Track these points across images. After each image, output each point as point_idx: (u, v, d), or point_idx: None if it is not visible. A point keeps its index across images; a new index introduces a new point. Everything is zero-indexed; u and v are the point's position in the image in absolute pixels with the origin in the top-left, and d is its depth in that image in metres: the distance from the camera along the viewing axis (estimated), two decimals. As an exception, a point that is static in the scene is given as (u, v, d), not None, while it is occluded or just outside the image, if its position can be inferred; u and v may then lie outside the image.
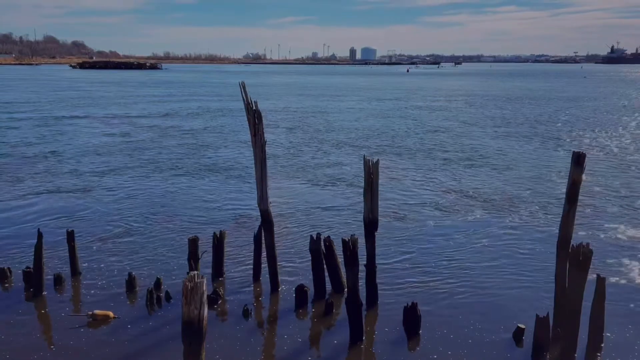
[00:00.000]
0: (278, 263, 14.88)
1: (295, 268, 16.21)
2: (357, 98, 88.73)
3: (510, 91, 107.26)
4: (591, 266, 11.07)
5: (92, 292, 14.65)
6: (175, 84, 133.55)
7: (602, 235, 19.34)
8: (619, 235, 19.43)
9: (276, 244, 14.92)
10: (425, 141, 41.46)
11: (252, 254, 15.44)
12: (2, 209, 22.51)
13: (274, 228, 14.77)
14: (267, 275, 14.90)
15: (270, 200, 14.42)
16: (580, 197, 12.03)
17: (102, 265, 16.45)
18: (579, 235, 17.71)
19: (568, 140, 41.85)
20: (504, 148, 38.20)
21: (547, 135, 44.62)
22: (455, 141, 41.34)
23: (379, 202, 13.55)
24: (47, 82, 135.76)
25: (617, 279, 15.55)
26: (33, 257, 14.37)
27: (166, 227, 20.25)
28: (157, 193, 25.41)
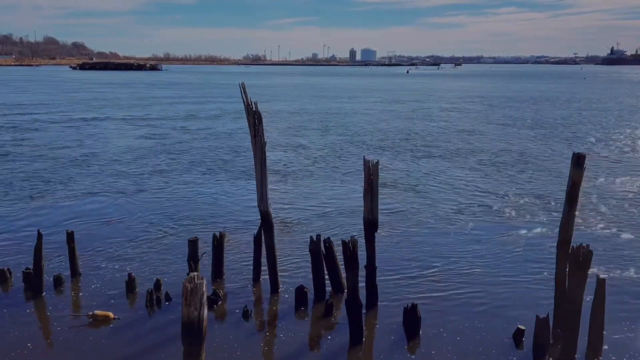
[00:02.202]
0: (278, 264, 14.87)
1: (295, 269, 16.21)
2: (373, 99, 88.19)
3: (523, 92, 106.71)
4: (591, 267, 11.07)
5: (92, 293, 14.64)
6: (185, 85, 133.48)
7: (602, 236, 19.35)
8: (620, 236, 19.44)
9: (276, 245, 14.91)
10: (465, 143, 40.88)
11: (252, 255, 15.45)
12: (36, 212, 22.31)
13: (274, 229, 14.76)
14: (267, 276, 14.90)
15: (270, 203, 14.41)
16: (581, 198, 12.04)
17: (102, 266, 16.45)
18: (579, 235, 17.71)
19: (605, 143, 41.12)
20: (547, 151, 37.44)
21: (585, 139, 43.67)
22: (495, 145, 40.48)
23: (382, 203, 13.54)
24: (55, 83, 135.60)
25: (618, 279, 15.54)
26: (33, 258, 14.38)
27: (173, 228, 20.27)
28: (187, 195, 25.23)
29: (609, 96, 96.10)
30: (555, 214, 21.37)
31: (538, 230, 20.05)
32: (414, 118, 59.48)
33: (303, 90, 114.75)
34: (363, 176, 13.26)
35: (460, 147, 39.11)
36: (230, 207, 23.13)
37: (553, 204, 23.39)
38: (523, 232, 19.87)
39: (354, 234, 16.71)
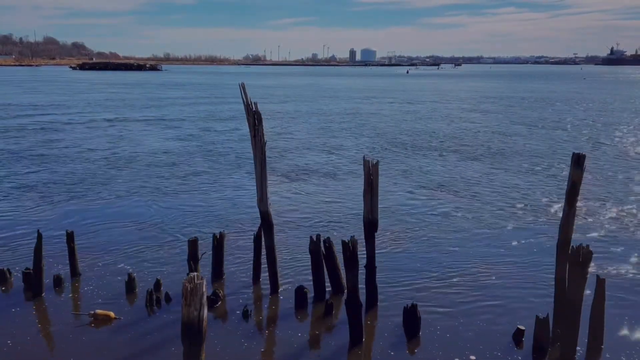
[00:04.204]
0: (278, 264, 14.87)
1: (295, 269, 16.21)
2: (388, 100, 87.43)
3: (535, 93, 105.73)
4: (591, 267, 11.06)
5: (92, 293, 14.63)
6: (195, 86, 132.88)
7: (603, 236, 19.35)
8: (620, 236, 19.44)
9: (276, 245, 14.91)
10: (504, 145, 40.12)
11: (252, 255, 15.45)
12: (64, 213, 22.15)
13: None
14: (267, 277, 14.90)
15: (270, 204, 14.41)
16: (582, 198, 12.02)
17: (102, 266, 16.44)
18: (579, 235, 17.71)
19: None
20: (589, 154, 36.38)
21: (622, 139, 43.06)
22: (533, 146, 39.65)
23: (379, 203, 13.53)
24: (64, 83, 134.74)
25: (618, 279, 15.53)
26: (33, 258, 14.38)
27: (186, 229, 20.26)
28: (220, 198, 24.89)
29: (623, 96, 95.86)
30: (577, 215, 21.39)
31: (541, 231, 20.06)
32: (437, 119, 59.03)
33: (314, 90, 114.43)
34: (363, 176, 13.27)
35: (499, 149, 38.34)
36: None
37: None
38: (525, 233, 19.88)
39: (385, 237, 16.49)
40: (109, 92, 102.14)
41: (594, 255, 11.02)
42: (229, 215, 22.01)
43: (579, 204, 12.13)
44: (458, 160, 34.19)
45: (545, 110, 69.73)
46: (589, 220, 21.28)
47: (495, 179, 28.81)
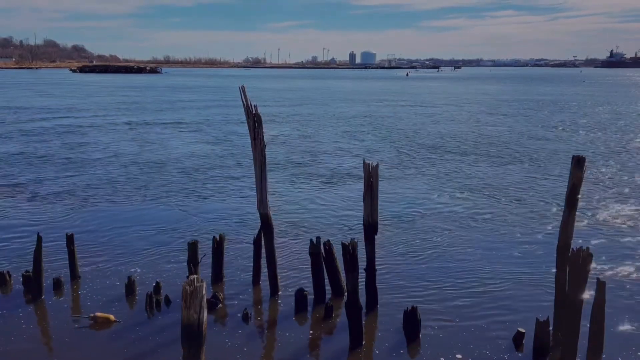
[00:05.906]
0: (278, 267, 14.86)
1: (295, 272, 16.20)
2: (402, 103, 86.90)
3: (547, 96, 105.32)
4: (591, 269, 11.05)
5: (91, 296, 14.61)
6: (203, 88, 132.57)
7: (603, 237, 19.35)
8: (621, 237, 19.43)
9: (276, 248, 14.91)
10: (528, 148, 40.02)
11: (252, 257, 15.44)
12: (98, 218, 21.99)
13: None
14: (267, 279, 14.89)
15: (269, 205, 14.40)
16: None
17: (103, 269, 16.43)
18: (579, 237, 17.70)
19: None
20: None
21: None
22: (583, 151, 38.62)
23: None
24: (74, 86, 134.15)
25: (618, 282, 15.52)
26: (32, 260, 14.38)
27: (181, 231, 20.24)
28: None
29: (634, 98, 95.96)
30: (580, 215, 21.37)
31: (542, 233, 20.06)
32: (461, 121, 58.86)
33: (323, 93, 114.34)
34: (363, 179, 13.26)
35: (527, 153, 37.93)
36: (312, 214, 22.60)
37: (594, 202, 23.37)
38: (533, 236, 19.87)
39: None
40: (120, 95, 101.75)
41: (594, 257, 11.01)
42: (252, 218, 21.71)
43: (581, 206, 12.11)
44: (489, 166, 33.48)
45: (562, 112, 69.60)
46: (590, 221, 21.28)
47: (526, 183, 28.48)
